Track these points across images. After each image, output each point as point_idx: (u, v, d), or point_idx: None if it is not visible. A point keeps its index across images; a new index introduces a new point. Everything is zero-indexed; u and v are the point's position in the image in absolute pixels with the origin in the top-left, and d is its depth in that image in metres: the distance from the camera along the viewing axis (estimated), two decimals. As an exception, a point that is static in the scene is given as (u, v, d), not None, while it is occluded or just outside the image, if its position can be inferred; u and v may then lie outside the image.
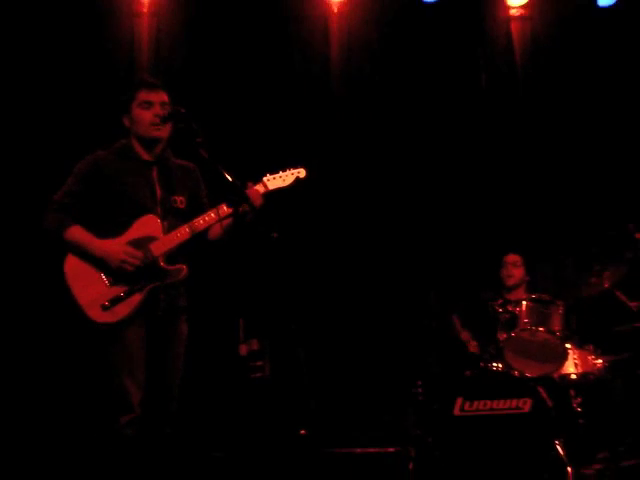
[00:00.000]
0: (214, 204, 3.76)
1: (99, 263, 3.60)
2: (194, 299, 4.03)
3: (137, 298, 3.59)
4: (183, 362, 3.83)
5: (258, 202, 3.66)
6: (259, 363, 5.73)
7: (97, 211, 3.72)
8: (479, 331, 5.90)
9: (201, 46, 6.54)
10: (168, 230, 3.70)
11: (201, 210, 3.80)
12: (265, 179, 3.85)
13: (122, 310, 3.57)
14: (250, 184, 3.74)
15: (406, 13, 6.75)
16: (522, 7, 6.86)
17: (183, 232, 3.70)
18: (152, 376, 3.70)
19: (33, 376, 5.74)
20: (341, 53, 6.71)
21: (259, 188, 3.79)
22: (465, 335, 5.93)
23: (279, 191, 3.86)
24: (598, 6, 6.76)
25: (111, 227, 3.66)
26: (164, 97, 3.79)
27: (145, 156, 3.81)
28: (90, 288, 3.57)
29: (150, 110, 3.74)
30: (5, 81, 6.10)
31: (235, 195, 3.53)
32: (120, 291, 3.58)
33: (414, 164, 6.66)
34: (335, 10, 6.73)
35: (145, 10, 6.49)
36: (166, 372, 3.76)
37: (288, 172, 3.90)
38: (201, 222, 3.72)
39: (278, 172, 3.88)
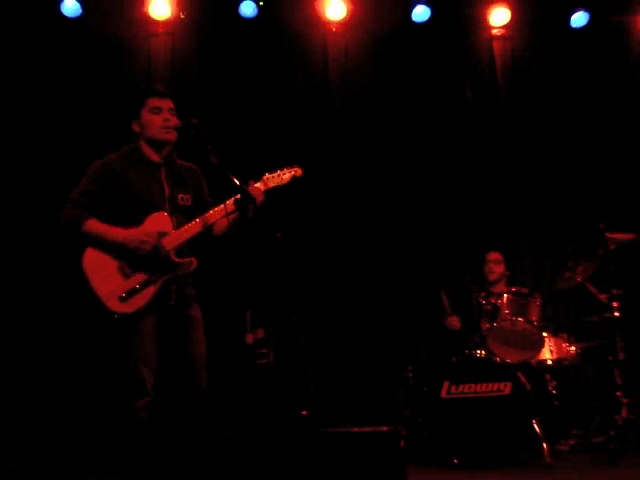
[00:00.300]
0: (218, 201, 3.75)
1: (117, 253, 3.57)
2: (206, 292, 4.01)
3: (151, 290, 3.57)
4: (205, 345, 3.78)
5: (260, 199, 3.69)
6: (264, 350, 5.72)
7: (110, 209, 3.68)
8: (464, 321, 5.90)
9: (211, 62, 6.56)
10: (177, 226, 3.68)
11: (205, 206, 3.79)
12: (265, 177, 3.82)
13: (138, 301, 3.55)
14: (252, 182, 3.73)
15: (398, 32, 6.73)
16: (503, 28, 6.87)
17: (195, 225, 3.68)
18: (178, 361, 3.68)
19: (57, 365, 5.74)
20: (338, 68, 6.71)
21: (260, 186, 3.77)
22: (453, 318, 5.92)
23: (278, 188, 3.84)
24: (570, 27, 6.78)
25: (124, 224, 3.63)
26: (171, 104, 3.79)
27: (154, 158, 3.79)
28: (108, 281, 3.54)
29: (160, 115, 3.74)
30: (35, 96, 6.15)
31: (240, 193, 3.55)
32: (135, 283, 3.56)
33: (406, 168, 6.65)
34: (333, 29, 6.74)
35: (161, 30, 6.50)
36: (190, 356, 3.70)
37: (286, 171, 3.87)
38: (210, 215, 3.70)
39: (276, 171, 3.86)
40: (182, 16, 6.46)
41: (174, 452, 3.67)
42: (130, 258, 3.58)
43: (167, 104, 3.78)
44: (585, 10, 6.69)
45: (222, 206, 3.70)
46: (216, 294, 5.61)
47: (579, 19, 6.73)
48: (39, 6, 6.19)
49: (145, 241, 3.57)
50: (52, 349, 5.75)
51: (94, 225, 3.61)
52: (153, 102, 3.76)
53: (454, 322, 5.87)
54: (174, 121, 3.73)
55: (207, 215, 3.70)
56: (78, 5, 6.19)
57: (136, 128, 3.80)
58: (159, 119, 3.74)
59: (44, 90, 6.16)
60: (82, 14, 6.24)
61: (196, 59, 6.55)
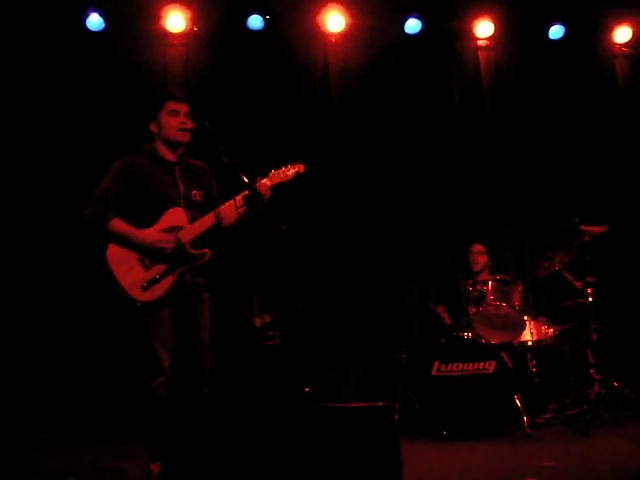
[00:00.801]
0: (227, 197, 3.73)
1: (138, 250, 3.57)
2: (218, 281, 4.01)
3: (170, 279, 3.58)
4: (209, 329, 3.77)
5: (267, 194, 3.67)
6: (271, 333, 5.72)
7: (131, 205, 3.67)
8: (453, 306, 5.91)
9: (221, 70, 6.54)
10: (191, 220, 3.68)
11: (214, 202, 3.78)
12: (271, 174, 3.79)
13: (158, 290, 3.55)
14: (259, 178, 3.71)
15: (392, 42, 6.72)
16: (487, 39, 6.88)
17: (209, 218, 3.67)
18: (186, 343, 3.67)
19: (87, 349, 5.77)
20: (338, 75, 6.71)
21: (266, 182, 3.74)
22: (441, 310, 5.93)
23: (283, 184, 3.80)
24: (549, 39, 6.80)
25: (143, 219, 3.62)
26: (187, 108, 3.77)
27: (169, 157, 3.78)
28: (130, 272, 3.54)
29: (177, 118, 3.73)
30: (61, 101, 6.15)
31: (249, 189, 3.56)
32: (155, 274, 3.56)
33: (400, 168, 6.63)
34: (333, 40, 6.73)
35: (176, 42, 6.51)
36: (197, 338, 3.70)
37: (290, 167, 3.84)
38: (222, 209, 3.68)
39: (281, 168, 3.83)
40: (195, 29, 6.46)
41: (187, 423, 3.68)
42: (150, 253, 3.59)
43: (183, 108, 3.77)
44: (562, 24, 6.73)
45: (232, 201, 3.69)
46: (227, 282, 5.62)
47: (556, 32, 6.77)
48: (67, 22, 6.21)
49: (164, 247, 3.57)
50: (84, 336, 5.78)
51: (119, 226, 3.60)
52: (171, 105, 3.75)
53: (443, 315, 5.87)
54: (189, 124, 3.72)
55: (219, 209, 3.69)
56: (101, 20, 6.23)
57: (154, 129, 3.79)
58: (176, 121, 3.73)
59: (70, 95, 6.16)
60: (105, 28, 6.26)
61: (208, 67, 6.54)
